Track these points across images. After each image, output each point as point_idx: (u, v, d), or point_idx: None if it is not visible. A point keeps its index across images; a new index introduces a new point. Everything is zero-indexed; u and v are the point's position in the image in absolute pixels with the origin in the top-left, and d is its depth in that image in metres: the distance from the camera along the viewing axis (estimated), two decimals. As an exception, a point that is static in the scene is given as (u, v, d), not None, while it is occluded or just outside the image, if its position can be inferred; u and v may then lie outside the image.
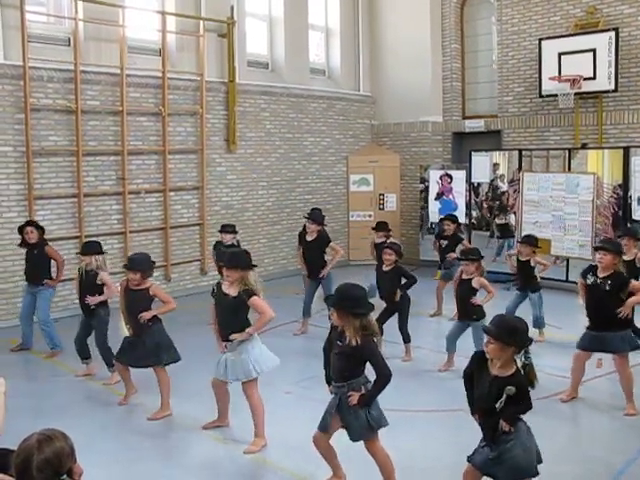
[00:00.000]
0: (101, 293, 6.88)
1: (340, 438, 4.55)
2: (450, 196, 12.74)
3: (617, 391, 6.20)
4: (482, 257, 7.29)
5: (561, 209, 10.84)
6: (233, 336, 5.31)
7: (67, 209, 9.94)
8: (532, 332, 7.96)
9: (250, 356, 5.32)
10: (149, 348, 6.00)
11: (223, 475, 5.10)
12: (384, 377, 4.31)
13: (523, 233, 11.13)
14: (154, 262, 6.45)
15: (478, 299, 7.05)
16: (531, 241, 8.38)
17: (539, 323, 8.24)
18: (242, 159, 12.23)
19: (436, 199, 12.93)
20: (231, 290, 5.35)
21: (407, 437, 5.44)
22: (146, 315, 6.02)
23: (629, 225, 9.71)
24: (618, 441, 5.54)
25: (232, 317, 5.35)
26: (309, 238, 8.90)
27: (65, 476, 2.34)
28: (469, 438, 4.18)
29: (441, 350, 7.44)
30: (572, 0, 11.79)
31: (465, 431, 4.35)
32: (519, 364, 3.77)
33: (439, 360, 7.45)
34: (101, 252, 7.05)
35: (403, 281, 7.67)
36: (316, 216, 9.06)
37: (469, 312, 7.09)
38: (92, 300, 6.82)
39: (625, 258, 7.10)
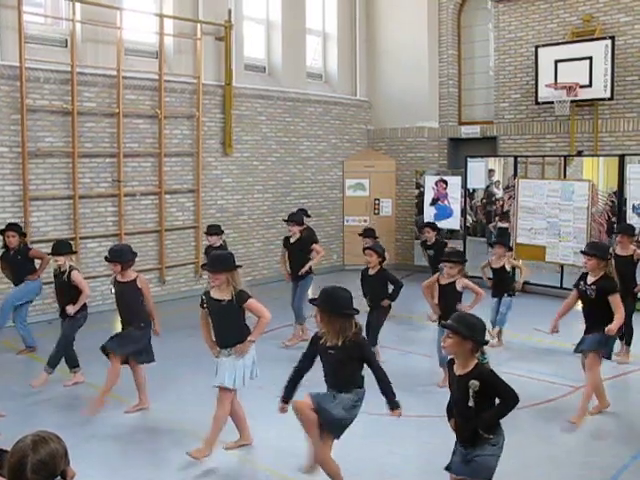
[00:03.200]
0: (77, 294, 6.82)
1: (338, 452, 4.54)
2: (445, 202, 12.75)
3: (614, 396, 6.21)
4: (466, 260, 7.09)
5: (556, 216, 10.86)
6: (236, 349, 5.15)
7: (62, 210, 9.91)
8: (488, 326, 8.11)
9: (245, 363, 5.22)
10: (141, 345, 6.14)
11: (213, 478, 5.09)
12: (381, 372, 4.28)
13: (518, 240, 11.19)
14: (135, 253, 6.43)
15: (466, 305, 6.74)
16: (505, 242, 8.43)
17: (501, 321, 8.24)
18: (238, 162, 12.23)
19: (431, 205, 12.94)
20: (222, 295, 5.15)
21: (401, 442, 5.43)
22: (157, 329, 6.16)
23: (625, 223, 9.75)
24: (613, 447, 5.55)
25: (229, 323, 5.17)
26: (292, 240, 8.77)
27: (59, 478, 2.33)
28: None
29: (433, 355, 7.41)
30: (569, 8, 11.83)
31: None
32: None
33: (427, 365, 7.40)
34: (74, 252, 7.12)
35: (390, 286, 7.42)
36: (294, 216, 8.90)
37: None
38: (70, 309, 6.77)
39: (622, 254, 7.44)
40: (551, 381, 6.91)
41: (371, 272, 7.46)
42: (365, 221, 13.58)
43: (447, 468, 3.91)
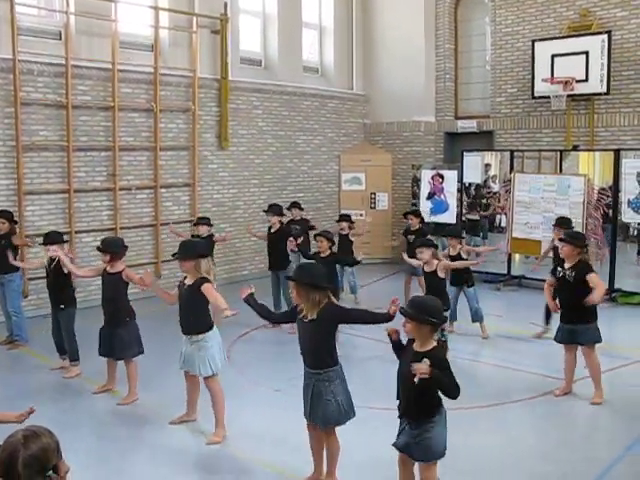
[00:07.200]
0: (67, 282, 7.06)
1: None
2: (441, 196, 12.75)
3: (606, 390, 6.23)
4: (436, 246, 7.71)
5: (552, 210, 10.84)
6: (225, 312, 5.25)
7: (57, 205, 9.88)
8: (474, 326, 8.30)
9: (207, 353, 5.40)
10: (126, 341, 6.26)
11: (211, 472, 5.08)
12: (359, 312, 4.66)
13: (514, 234, 11.21)
14: (126, 246, 6.64)
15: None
16: (457, 232, 8.66)
17: (478, 316, 8.39)
18: (234, 156, 12.20)
19: (428, 199, 12.93)
20: (189, 281, 5.44)
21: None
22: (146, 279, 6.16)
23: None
24: (606, 439, 5.59)
25: (189, 308, 5.41)
26: (272, 230, 9.29)
27: (51, 472, 2.32)
28: (456, 435, 4.17)
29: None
30: (566, 2, 11.82)
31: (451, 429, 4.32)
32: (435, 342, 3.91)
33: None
34: (65, 241, 7.38)
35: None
36: (272, 207, 9.43)
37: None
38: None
39: (558, 244, 7.78)
40: (545, 375, 6.92)
41: (323, 255, 8.04)
42: (362, 215, 13.55)
43: (396, 445, 4.01)
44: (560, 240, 6.45)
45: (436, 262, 7.39)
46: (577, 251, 6.15)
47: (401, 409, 3.99)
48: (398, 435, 4.01)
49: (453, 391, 3.77)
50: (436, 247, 7.67)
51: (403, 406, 3.98)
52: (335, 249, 8.61)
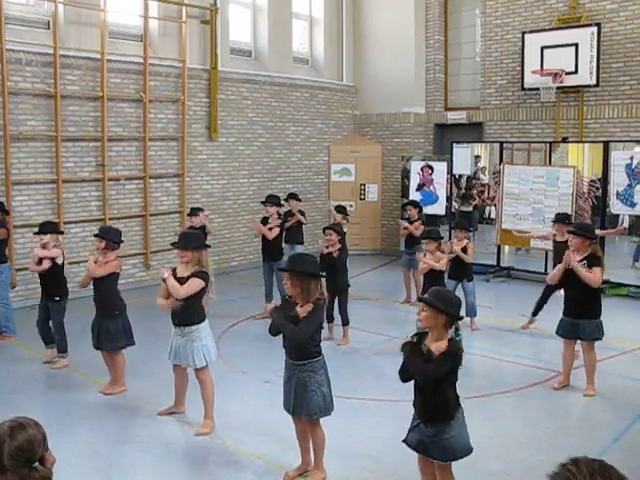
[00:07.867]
0: (59, 274, 6.99)
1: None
2: (431, 187, 12.76)
3: (596, 381, 6.28)
4: (442, 237, 7.75)
5: (541, 202, 10.90)
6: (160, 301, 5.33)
7: (45, 195, 9.82)
8: (465, 320, 8.26)
9: (201, 343, 5.38)
10: (113, 333, 6.19)
11: (200, 463, 5.09)
12: (297, 333, 4.28)
13: (503, 225, 11.25)
14: (122, 240, 6.58)
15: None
16: (465, 225, 8.70)
17: (473, 311, 8.42)
18: (223, 147, 12.16)
19: (417, 190, 12.94)
20: (184, 272, 5.32)
21: (386, 426, 5.46)
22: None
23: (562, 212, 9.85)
24: (595, 430, 5.63)
25: (183, 301, 5.28)
26: (270, 221, 9.21)
27: (37, 464, 2.31)
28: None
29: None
30: (555, -6, 11.83)
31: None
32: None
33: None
34: (60, 231, 7.30)
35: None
36: (272, 198, 9.34)
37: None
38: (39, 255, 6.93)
39: (558, 239, 8.01)
40: (535, 366, 6.97)
41: (331, 249, 7.81)
42: (351, 206, 13.55)
43: (407, 443, 3.94)
44: (569, 232, 6.43)
45: (438, 254, 7.50)
46: (587, 243, 6.13)
47: (418, 411, 3.90)
48: (409, 431, 3.93)
49: (413, 369, 3.71)
50: (441, 239, 7.75)
51: (420, 407, 3.88)
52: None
